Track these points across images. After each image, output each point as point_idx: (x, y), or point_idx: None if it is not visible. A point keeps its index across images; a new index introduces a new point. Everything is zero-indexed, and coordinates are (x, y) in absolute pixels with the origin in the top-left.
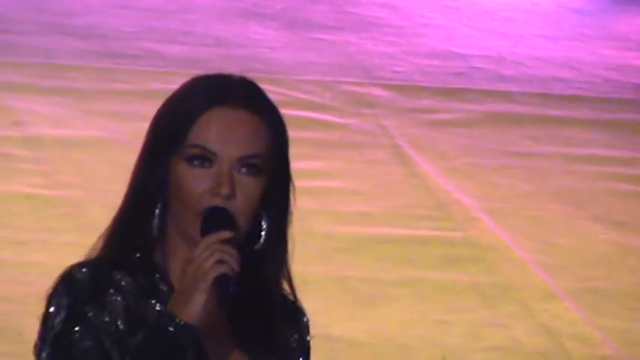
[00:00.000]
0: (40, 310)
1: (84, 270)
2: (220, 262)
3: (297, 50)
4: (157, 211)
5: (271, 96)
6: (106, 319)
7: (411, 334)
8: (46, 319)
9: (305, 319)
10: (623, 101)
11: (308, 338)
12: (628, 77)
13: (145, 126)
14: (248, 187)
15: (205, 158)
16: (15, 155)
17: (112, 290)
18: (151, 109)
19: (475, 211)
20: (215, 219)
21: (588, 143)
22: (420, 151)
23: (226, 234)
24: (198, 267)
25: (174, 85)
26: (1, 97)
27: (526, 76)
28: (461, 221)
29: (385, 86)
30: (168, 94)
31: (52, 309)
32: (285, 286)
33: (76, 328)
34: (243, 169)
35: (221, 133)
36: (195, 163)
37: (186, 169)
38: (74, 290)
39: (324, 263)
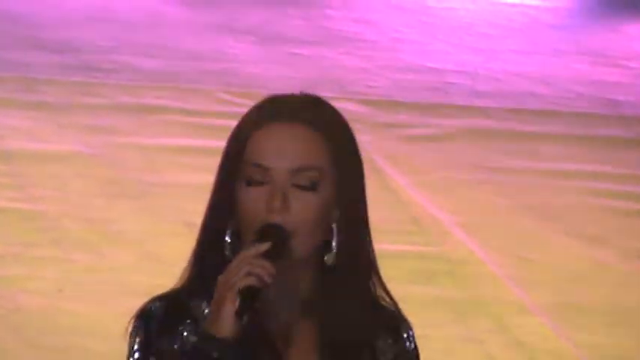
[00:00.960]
0: (14, 322)
1: (159, 303)
2: (249, 274)
3: (272, 64)
4: (227, 236)
5: (244, 111)
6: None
7: None
8: (128, 356)
9: (407, 330)
10: (597, 116)
11: (410, 347)
12: (602, 92)
13: (118, 140)
14: (305, 201)
15: (260, 176)
16: None
17: (188, 321)
18: (125, 122)
19: (449, 225)
20: (265, 235)
21: (563, 158)
22: (395, 166)
23: (264, 246)
24: (227, 279)
25: (148, 99)
26: None
27: (501, 91)
28: (435, 236)
29: (360, 101)
30: (142, 107)
31: (131, 346)
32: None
33: (152, 353)
34: (299, 183)
35: (274, 148)
36: (252, 183)
37: (245, 190)
38: (149, 324)
39: None
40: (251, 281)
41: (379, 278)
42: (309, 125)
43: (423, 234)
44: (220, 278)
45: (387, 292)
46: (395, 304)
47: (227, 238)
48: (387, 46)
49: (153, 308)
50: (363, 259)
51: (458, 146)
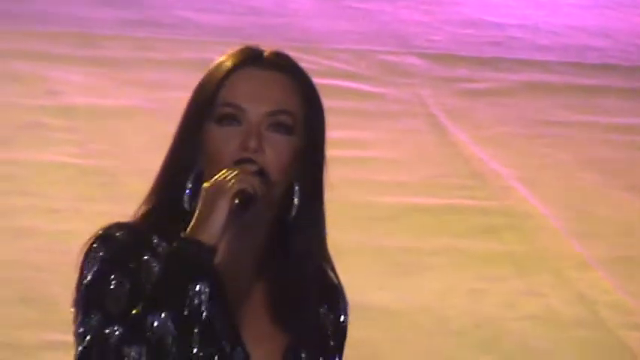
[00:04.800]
0: (72, 278)
1: (122, 230)
2: (242, 181)
3: (332, 19)
4: (190, 182)
5: (306, 65)
6: (142, 278)
7: (447, 303)
8: (81, 273)
9: (342, 301)
10: None
11: (343, 321)
12: None
13: (179, 95)
14: (278, 144)
15: (234, 117)
16: (50, 125)
17: (148, 254)
18: (185, 78)
19: (510, 180)
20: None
21: (622, 112)
22: (456, 121)
23: (252, 167)
24: (219, 186)
25: (209, 54)
26: (36, 67)
27: (561, 45)
28: (496, 190)
29: (421, 55)
30: (203, 63)
31: (87, 263)
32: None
33: (112, 276)
34: (273, 127)
35: (249, 90)
36: (225, 122)
37: (217, 129)
38: (111, 247)
39: (360, 233)
40: (243, 185)
41: (326, 247)
42: (284, 73)
43: (484, 189)
44: (206, 186)
45: (331, 263)
46: (337, 276)
47: (189, 184)
48: (447, 0)
49: (117, 234)
50: (320, 222)
51: (518, 100)
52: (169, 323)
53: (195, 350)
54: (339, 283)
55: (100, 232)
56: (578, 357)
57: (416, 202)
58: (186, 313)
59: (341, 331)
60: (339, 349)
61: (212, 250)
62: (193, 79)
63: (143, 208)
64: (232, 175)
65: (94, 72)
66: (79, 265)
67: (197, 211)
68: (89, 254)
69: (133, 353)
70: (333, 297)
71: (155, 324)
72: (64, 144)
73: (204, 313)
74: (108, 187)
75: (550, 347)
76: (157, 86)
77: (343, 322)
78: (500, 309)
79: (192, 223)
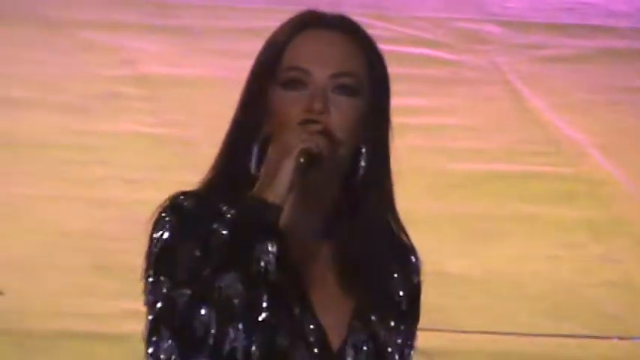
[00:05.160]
0: None
1: (190, 199)
2: (308, 141)
3: None
4: (256, 147)
5: (383, 33)
6: (211, 246)
7: (524, 269)
8: (150, 243)
9: (415, 260)
10: None
11: (416, 280)
12: None
13: (251, 64)
14: (343, 106)
15: (299, 80)
16: (125, 94)
17: (216, 222)
18: (258, 46)
19: (587, 146)
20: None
21: None
22: (532, 87)
23: (317, 126)
24: (284, 146)
25: (281, 22)
26: (111, 36)
27: (637, 10)
28: (573, 157)
29: (497, 22)
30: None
31: (156, 233)
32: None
33: (181, 244)
34: (338, 89)
35: (313, 52)
36: (290, 86)
37: (282, 94)
38: (180, 216)
39: (436, 200)
40: (311, 145)
41: (395, 208)
42: (348, 34)
43: (561, 155)
44: (272, 147)
45: (401, 224)
46: (408, 237)
47: (255, 149)
48: None
49: (186, 203)
50: (387, 185)
51: (593, 67)
52: (237, 284)
53: (263, 312)
54: (411, 244)
55: (168, 201)
56: None
57: (492, 168)
58: (253, 273)
59: (414, 291)
60: (413, 309)
61: (278, 210)
62: None
63: (210, 176)
64: (297, 134)
65: (168, 40)
66: (149, 234)
67: (262, 172)
68: (158, 223)
69: (201, 314)
70: (405, 257)
71: (223, 285)
72: (139, 113)
73: (272, 274)
74: (183, 157)
75: (626, 313)
76: (230, 55)
77: (416, 281)
78: (576, 275)
79: (257, 184)
